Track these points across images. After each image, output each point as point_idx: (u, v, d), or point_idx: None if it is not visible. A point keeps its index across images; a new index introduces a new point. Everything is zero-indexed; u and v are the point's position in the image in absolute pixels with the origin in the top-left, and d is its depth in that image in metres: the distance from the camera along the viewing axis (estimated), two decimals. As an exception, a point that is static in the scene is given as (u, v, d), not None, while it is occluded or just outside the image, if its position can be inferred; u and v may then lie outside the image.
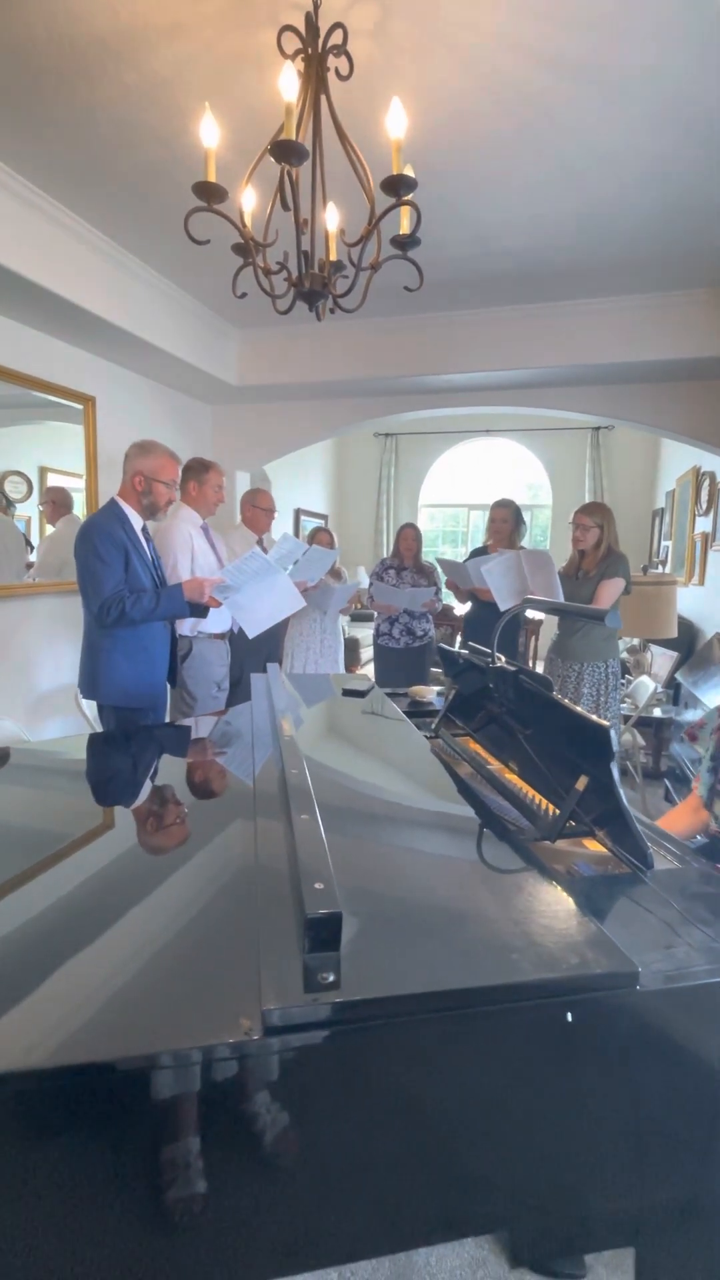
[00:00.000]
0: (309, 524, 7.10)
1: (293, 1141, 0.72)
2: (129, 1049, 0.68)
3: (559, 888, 0.98)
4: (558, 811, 1.23)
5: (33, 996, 0.76)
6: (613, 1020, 0.79)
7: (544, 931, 0.85)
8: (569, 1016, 0.76)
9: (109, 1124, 0.68)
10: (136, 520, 2.39)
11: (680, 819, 1.71)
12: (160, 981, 0.79)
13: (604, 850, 1.19)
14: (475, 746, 1.78)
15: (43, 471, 3.47)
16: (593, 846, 1.23)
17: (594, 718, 1.17)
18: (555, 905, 0.93)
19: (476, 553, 3.73)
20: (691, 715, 3.57)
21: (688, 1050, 0.83)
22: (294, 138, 1.46)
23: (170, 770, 1.70)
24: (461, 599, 3.82)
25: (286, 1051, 0.70)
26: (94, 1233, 0.68)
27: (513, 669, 1.54)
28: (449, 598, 4.55)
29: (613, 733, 1.15)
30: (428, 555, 4.22)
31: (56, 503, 3.56)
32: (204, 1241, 0.71)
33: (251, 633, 2.70)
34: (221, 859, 1.12)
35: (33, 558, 3.43)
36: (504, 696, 1.61)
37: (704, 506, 4.84)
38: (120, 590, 2.26)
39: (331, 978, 0.75)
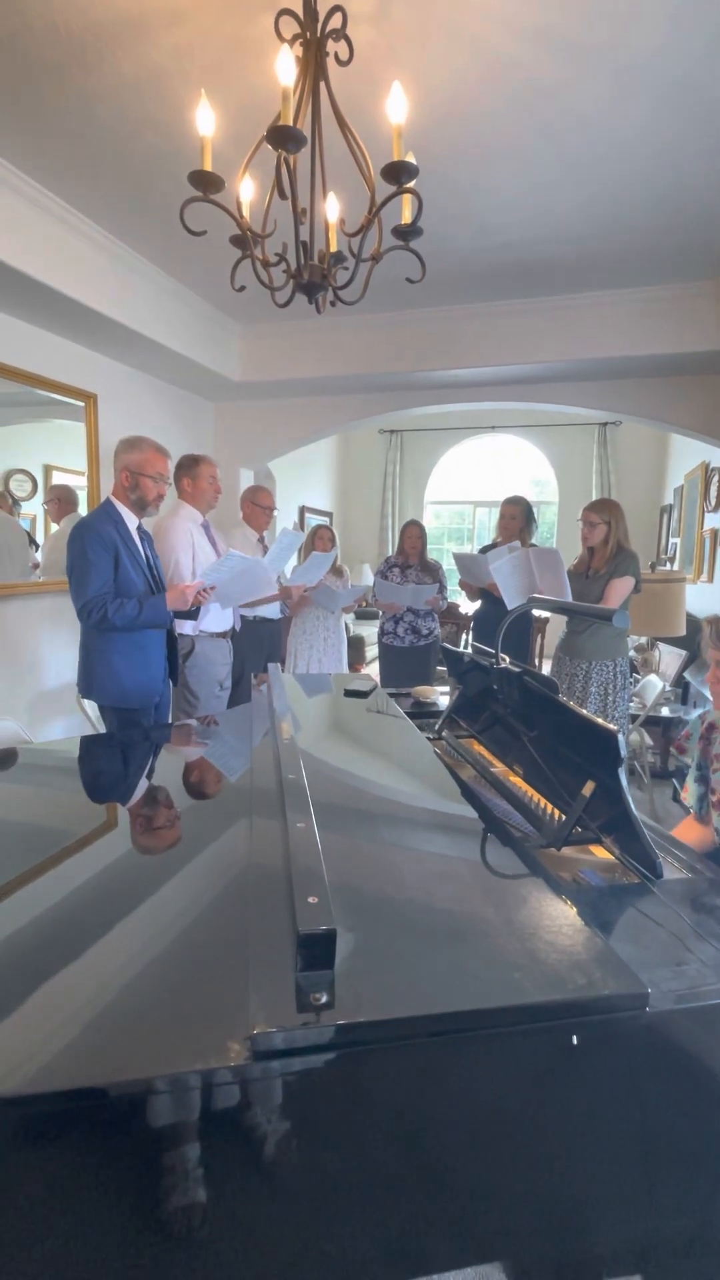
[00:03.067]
0: (313, 521, 7.07)
1: (285, 1169, 0.69)
2: (107, 1075, 0.65)
3: (565, 900, 0.94)
4: (564, 817, 1.20)
5: (11, 1017, 0.72)
6: (621, 1043, 0.75)
7: (549, 948, 0.82)
8: (574, 1040, 0.72)
9: (91, 1151, 0.65)
10: (131, 520, 2.36)
11: (691, 833, 1.66)
12: (148, 1002, 0.76)
13: (611, 857, 1.15)
14: (479, 748, 1.74)
15: (47, 470, 3.45)
16: (600, 853, 1.19)
17: (602, 721, 1.13)
18: (561, 919, 0.89)
19: (488, 549, 3.68)
20: (699, 714, 3.51)
21: (700, 1073, 0.79)
22: (292, 124, 1.42)
23: (166, 774, 1.67)
24: (473, 597, 3.77)
25: (276, 1076, 0.67)
26: (83, 1258, 0.65)
27: (517, 669, 1.50)
28: (455, 595, 4.49)
29: (621, 737, 1.10)
30: (434, 553, 4.18)
31: (61, 500, 3.54)
32: (196, 1272, 0.68)
33: (223, 606, 2.89)
34: (215, 868, 1.08)
35: (38, 556, 3.41)
36: (508, 697, 1.57)
37: (713, 503, 4.77)
38: (104, 594, 2.24)
39: (325, 998, 0.71)
